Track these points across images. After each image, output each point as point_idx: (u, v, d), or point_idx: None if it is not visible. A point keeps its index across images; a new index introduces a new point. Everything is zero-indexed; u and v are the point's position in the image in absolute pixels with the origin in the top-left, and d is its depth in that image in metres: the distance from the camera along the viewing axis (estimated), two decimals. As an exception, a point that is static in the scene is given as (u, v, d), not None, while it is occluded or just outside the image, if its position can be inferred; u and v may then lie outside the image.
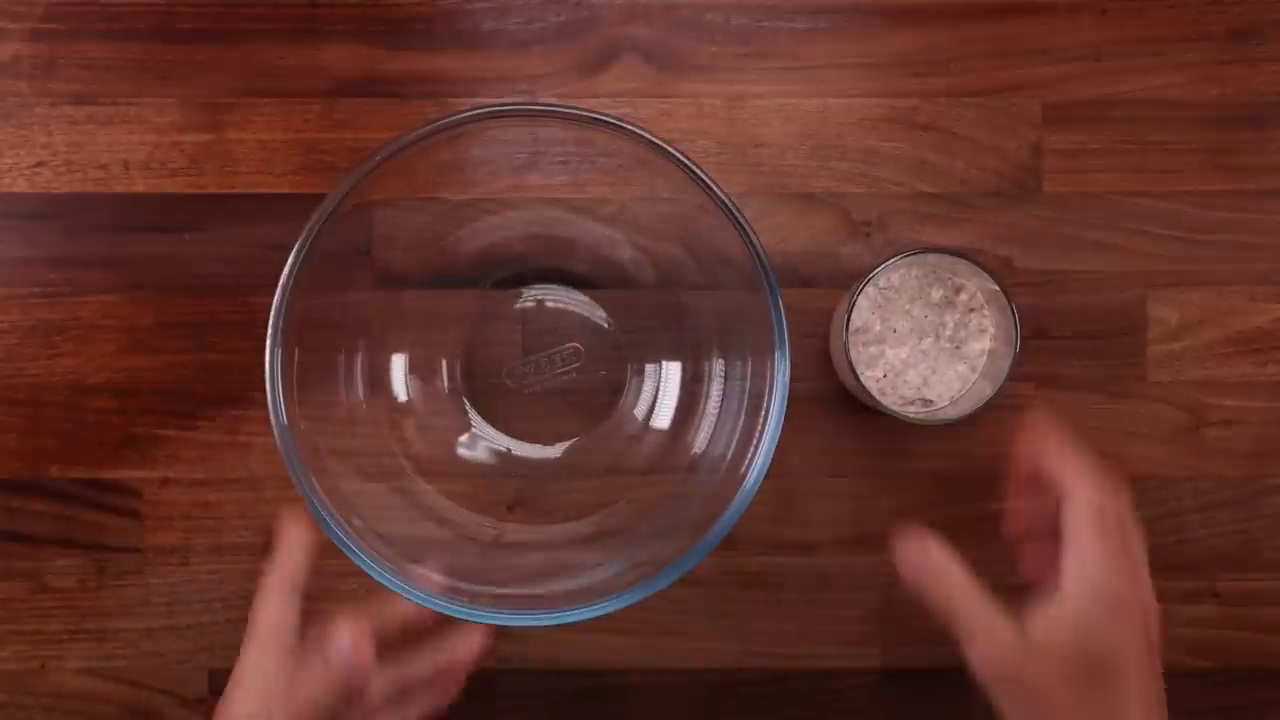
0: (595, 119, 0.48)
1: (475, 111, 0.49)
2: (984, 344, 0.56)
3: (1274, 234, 0.59)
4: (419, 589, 0.47)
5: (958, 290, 0.56)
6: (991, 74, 0.59)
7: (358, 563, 0.48)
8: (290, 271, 0.48)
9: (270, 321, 0.47)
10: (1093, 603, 0.44)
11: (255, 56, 0.59)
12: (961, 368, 0.56)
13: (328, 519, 0.48)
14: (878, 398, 0.54)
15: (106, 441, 0.58)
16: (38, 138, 0.58)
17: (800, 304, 0.58)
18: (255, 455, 0.58)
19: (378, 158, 0.48)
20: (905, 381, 0.56)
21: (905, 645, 0.59)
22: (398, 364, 0.57)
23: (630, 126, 0.48)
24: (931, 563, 0.46)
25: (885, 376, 0.56)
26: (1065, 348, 0.58)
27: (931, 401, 0.56)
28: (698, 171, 0.48)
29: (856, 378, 0.54)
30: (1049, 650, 0.43)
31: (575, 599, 0.48)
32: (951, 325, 0.56)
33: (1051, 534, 0.46)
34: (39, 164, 0.58)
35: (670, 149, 0.48)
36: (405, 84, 0.59)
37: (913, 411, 0.55)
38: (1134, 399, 0.58)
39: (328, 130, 0.58)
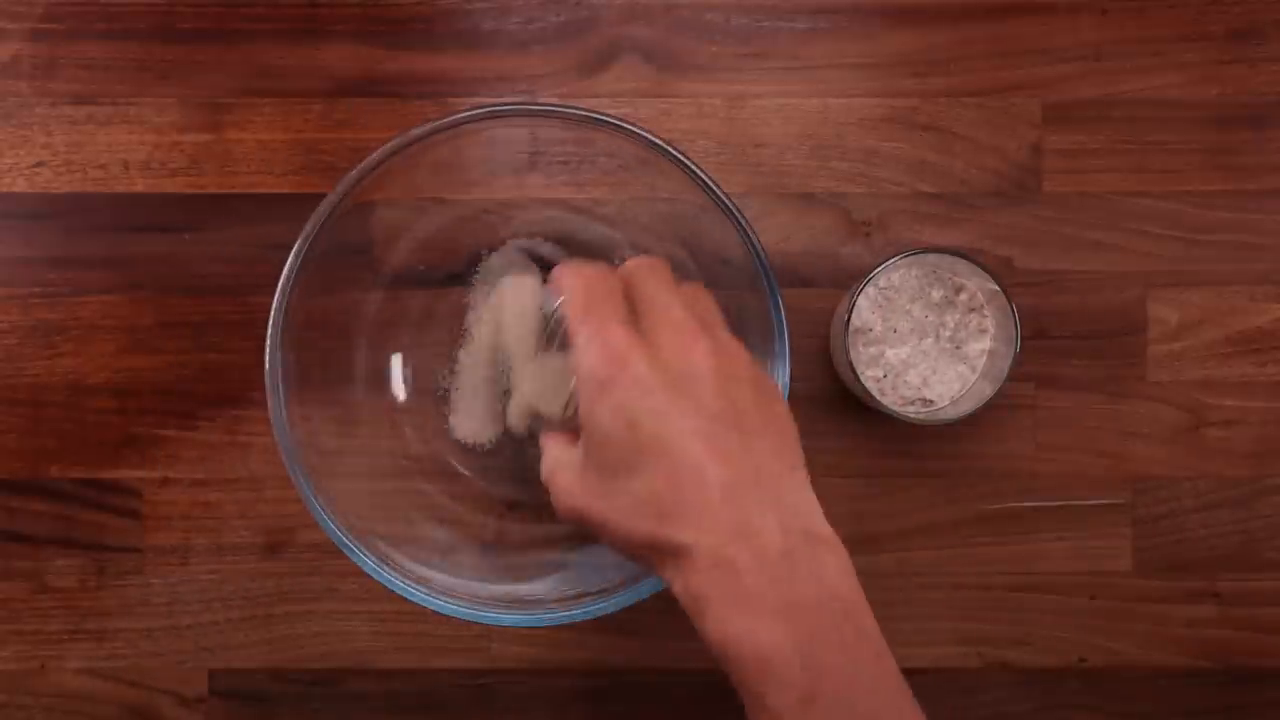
0: (596, 119, 0.48)
1: (475, 111, 0.49)
2: (984, 344, 0.56)
3: (1274, 234, 0.59)
4: (419, 589, 0.47)
5: (958, 290, 0.55)
6: (991, 74, 0.59)
7: (357, 562, 0.48)
8: (290, 271, 0.48)
9: (270, 321, 0.48)
10: (585, 385, 0.40)
11: (255, 56, 0.59)
12: (961, 368, 0.56)
13: (328, 519, 0.48)
14: (878, 398, 0.54)
15: (106, 441, 0.58)
16: (38, 138, 0.58)
17: (800, 304, 0.58)
18: (255, 455, 0.58)
19: (377, 157, 0.48)
20: (905, 381, 0.56)
21: (905, 645, 0.59)
22: (397, 364, 0.57)
23: (631, 126, 0.48)
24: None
25: (885, 376, 0.56)
26: (1065, 348, 0.58)
27: (931, 401, 0.56)
28: (698, 172, 0.48)
29: (857, 378, 0.53)
30: (586, 461, 0.41)
31: (575, 599, 0.49)
32: (952, 325, 0.56)
33: None
34: (39, 164, 0.58)
35: (671, 149, 0.48)
36: (405, 84, 0.59)
37: (913, 411, 0.55)
38: (1134, 399, 0.58)
39: (328, 130, 0.58)
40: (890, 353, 0.56)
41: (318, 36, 0.59)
